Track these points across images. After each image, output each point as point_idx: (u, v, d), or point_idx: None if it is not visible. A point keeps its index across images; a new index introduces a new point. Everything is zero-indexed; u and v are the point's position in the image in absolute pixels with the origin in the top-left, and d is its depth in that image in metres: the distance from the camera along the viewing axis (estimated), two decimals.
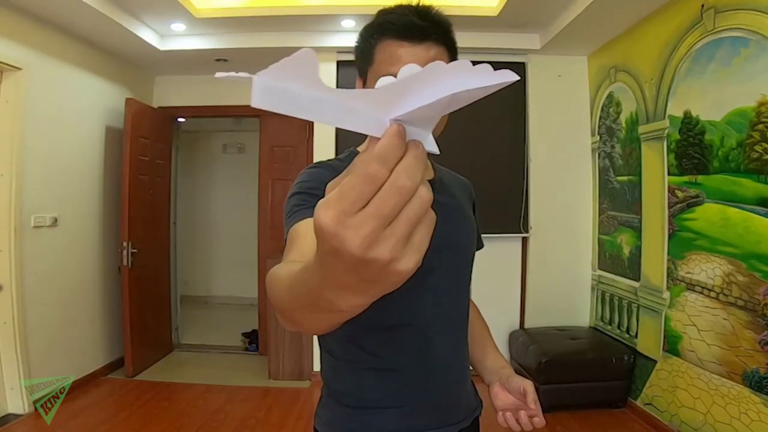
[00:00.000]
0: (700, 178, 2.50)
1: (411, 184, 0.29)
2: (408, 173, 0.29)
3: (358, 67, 0.91)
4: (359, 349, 0.88)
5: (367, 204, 0.28)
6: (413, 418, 0.88)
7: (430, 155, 0.31)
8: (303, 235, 0.70)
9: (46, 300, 3.08)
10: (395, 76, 0.83)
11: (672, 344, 2.71)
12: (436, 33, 0.83)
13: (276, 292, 0.48)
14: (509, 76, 0.29)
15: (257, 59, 3.77)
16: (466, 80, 0.29)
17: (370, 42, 0.86)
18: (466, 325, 0.99)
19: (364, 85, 0.90)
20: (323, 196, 0.30)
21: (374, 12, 0.87)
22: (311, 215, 0.34)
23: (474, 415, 0.97)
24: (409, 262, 0.30)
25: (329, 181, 0.31)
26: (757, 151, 2.13)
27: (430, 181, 0.93)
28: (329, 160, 0.94)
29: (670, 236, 2.75)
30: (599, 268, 3.60)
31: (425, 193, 0.30)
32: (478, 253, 1.03)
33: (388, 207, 0.28)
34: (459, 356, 0.96)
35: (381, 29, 0.84)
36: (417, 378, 0.89)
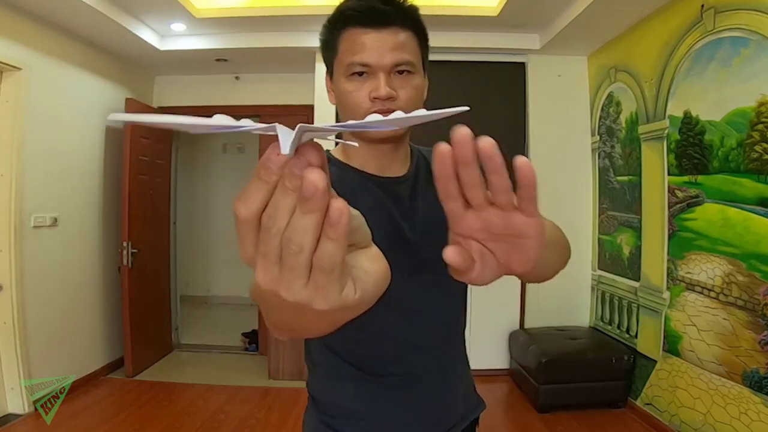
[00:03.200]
0: (700, 178, 2.50)
1: (274, 227, 0.27)
2: (269, 213, 0.27)
3: (325, 61, 0.87)
4: (338, 357, 0.84)
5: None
6: (394, 429, 0.84)
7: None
8: None
9: (46, 300, 3.08)
10: (360, 65, 0.83)
11: (672, 344, 2.71)
12: (401, 17, 0.79)
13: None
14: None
15: (257, 59, 3.78)
16: None
17: (334, 33, 0.83)
18: (456, 328, 0.93)
19: (331, 79, 0.85)
20: None
21: None
22: None
23: (464, 424, 0.92)
24: (322, 304, 0.28)
25: None
26: (757, 151, 2.13)
27: (401, 177, 0.87)
28: None
29: (670, 236, 2.75)
30: (599, 268, 3.60)
31: (302, 236, 0.26)
32: None
33: (263, 246, 0.27)
34: (445, 363, 0.89)
35: (343, 18, 0.81)
36: (398, 388, 0.84)
